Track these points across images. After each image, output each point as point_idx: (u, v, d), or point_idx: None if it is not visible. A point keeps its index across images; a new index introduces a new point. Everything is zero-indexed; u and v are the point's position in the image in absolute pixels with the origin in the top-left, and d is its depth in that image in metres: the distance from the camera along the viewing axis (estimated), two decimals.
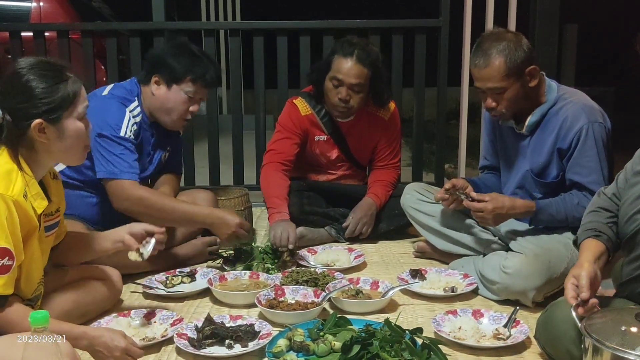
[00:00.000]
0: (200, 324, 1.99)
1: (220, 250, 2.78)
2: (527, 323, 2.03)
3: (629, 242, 1.73)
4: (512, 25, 3.64)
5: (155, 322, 2.09)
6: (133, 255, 1.99)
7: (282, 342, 1.87)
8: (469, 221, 2.65)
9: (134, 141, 2.52)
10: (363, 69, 2.86)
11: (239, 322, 2.05)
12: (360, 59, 2.85)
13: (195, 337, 1.93)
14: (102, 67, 4.39)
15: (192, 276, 2.53)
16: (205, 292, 2.40)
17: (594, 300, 1.59)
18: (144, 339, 1.97)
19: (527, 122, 2.41)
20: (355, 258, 2.75)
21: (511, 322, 2.01)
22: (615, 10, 6.62)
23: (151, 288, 2.39)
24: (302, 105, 3.07)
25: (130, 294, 2.42)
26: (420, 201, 2.77)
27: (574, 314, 1.59)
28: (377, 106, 3.08)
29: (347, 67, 2.85)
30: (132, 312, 2.12)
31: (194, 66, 2.55)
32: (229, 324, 2.04)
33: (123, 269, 2.30)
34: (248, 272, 2.49)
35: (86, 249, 2.04)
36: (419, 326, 1.89)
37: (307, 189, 3.07)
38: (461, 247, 2.65)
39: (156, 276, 2.49)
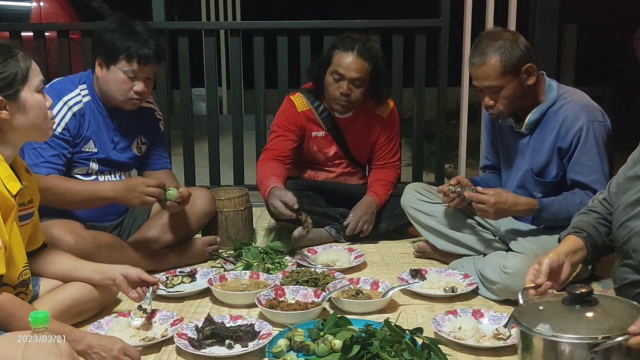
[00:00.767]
0: (200, 324, 1.99)
1: (220, 250, 2.78)
2: None
3: (622, 248, 1.76)
4: (512, 25, 3.64)
5: (155, 322, 2.09)
6: (137, 314, 2.05)
7: (282, 342, 1.87)
8: (469, 221, 2.65)
9: (63, 135, 2.47)
10: (364, 63, 2.86)
11: (239, 322, 2.05)
12: (361, 54, 2.85)
13: (195, 337, 1.93)
14: None
15: (192, 276, 2.53)
16: (206, 292, 2.40)
17: (547, 284, 1.66)
18: (144, 339, 1.98)
19: (526, 121, 2.42)
20: (356, 258, 2.75)
21: (511, 322, 2.01)
22: (614, 10, 6.61)
23: None
24: (299, 101, 3.06)
25: None
26: (420, 201, 2.76)
27: (519, 295, 1.67)
28: (375, 103, 3.07)
29: (348, 61, 2.85)
30: (132, 312, 2.12)
31: (128, 43, 2.47)
32: (229, 324, 2.04)
33: None
34: (248, 272, 2.49)
35: (69, 272, 2.06)
36: (419, 326, 1.89)
37: (306, 189, 3.07)
38: (461, 247, 2.65)
39: (156, 276, 2.48)
